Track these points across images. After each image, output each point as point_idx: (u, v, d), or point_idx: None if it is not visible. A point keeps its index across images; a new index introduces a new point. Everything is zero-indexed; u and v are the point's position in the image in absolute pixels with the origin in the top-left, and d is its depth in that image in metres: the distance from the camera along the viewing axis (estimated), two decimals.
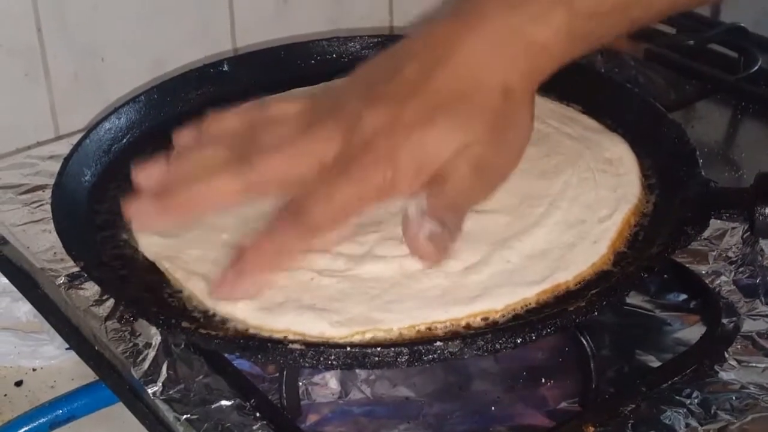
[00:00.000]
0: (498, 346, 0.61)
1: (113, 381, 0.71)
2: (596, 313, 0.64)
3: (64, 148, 0.84)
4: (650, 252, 0.68)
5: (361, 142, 0.64)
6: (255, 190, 0.66)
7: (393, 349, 0.60)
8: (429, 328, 0.63)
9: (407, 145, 0.63)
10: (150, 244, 0.71)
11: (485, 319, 0.64)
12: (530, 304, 0.65)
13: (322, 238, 0.66)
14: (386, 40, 0.94)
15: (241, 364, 0.70)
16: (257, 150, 0.66)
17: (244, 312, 0.64)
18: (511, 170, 0.68)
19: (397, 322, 0.63)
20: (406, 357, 0.60)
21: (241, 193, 0.66)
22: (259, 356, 0.65)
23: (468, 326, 0.64)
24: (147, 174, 0.68)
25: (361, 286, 0.66)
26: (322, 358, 0.60)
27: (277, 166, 0.66)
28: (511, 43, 0.65)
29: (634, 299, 0.76)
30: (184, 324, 0.63)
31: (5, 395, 0.77)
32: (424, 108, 0.64)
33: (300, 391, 0.68)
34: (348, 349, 0.61)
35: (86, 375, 0.76)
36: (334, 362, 0.61)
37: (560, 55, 0.66)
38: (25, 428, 0.73)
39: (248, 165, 0.65)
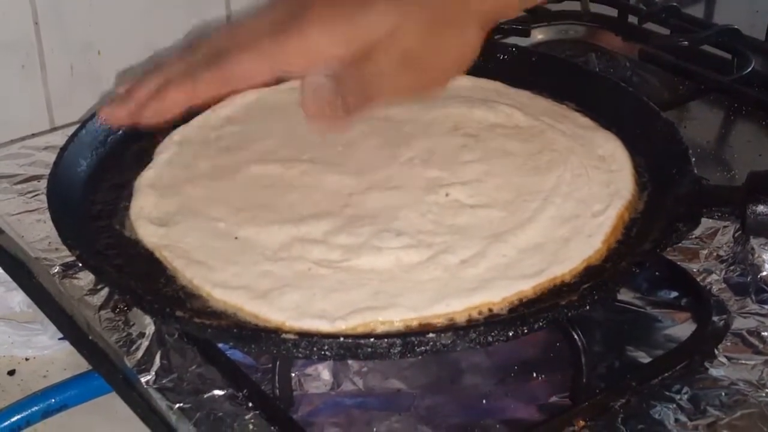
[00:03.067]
0: (490, 338, 0.62)
1: (106, 370, 0.71)
2: (588, 308, 0.64)
3: (59, 139, 0.84)
4: (642, 248, 0.68)
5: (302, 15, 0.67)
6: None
7: (386, 340, 0.61)
8: (429, 322, 0.64)
9: (339, 17, 0.66)
10: (148, 233, 0.71)
11: (485, 311, 0.65)
12: (527, 297, 0.66)
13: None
14: None
15: (234, 354, 0.70)
16: None
17: (241, 301, 0.65)
18: (445, 77, 0.70)
19: (398, 314, 0.64)
20: (399, 348, 0.60)
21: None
22: (252, 346, 0.65)
23: (469, 319, 0.64)
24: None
25: (358, 277, 0.67)
26: (315, 348, 0.61)
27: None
28: None
29: (625, 296, 0.77)
30: (178, 313, 0.63)
31: None
32: None
33: (293, 382, 0.69)
34: (341, 339, 0.61)
35: (79, 365, 0.76)
36: (327, 352, 0.61)
37: None
38: (18, 416, 0.73)
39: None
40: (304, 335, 0.61)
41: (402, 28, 0.66)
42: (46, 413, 0.74)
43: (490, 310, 0.65)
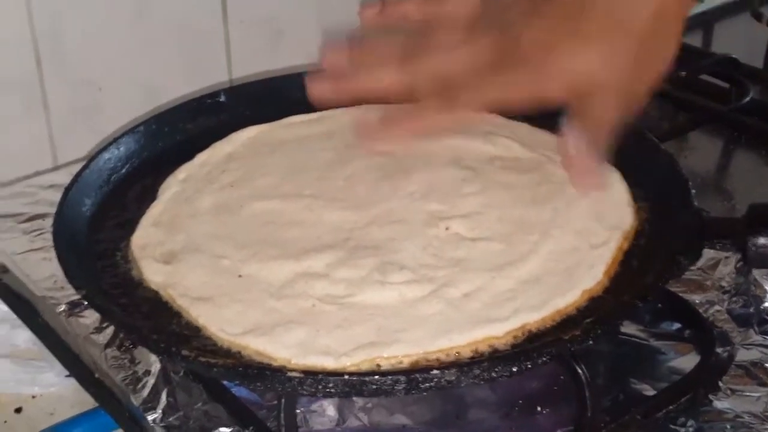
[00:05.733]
0: (494, 374, 0.62)
1: (113, 408, 0.71)
2: (591, 342, 0.64)
3: (62, 177, 0.85)
4: (644, 281, 0.69)
5: (517, 52, 0.70)
6: (413, 82, 0.74)
7: (390, 377, 0.61)
8: (433, 357, 0.64)
9: (558, 61, 0.69)
10: (152, 271, 0.72)
11: (489, 345, 0.65)
12: (531, 330, 0.66)
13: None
14: None
15: (240, 391, 0.70)
16: (423, 49, 0.74)
17: (246, 339, 0.65)
18: (650, 88, 0.72)
19: (402, 350, 0.64)
20: (404, 385, 0.61)
21: (401, 84, 0.74)
22: (258, 384, 0.65)
23: (473, 354, 0.64)
24: (334, 57, 0.78)
25: (362, 313, 0.67)
26: (320, 386, 0.61)
27: (435, 65, 0.74)
28: None
29: (628, 328, 0.77)
30: (184, 352, 0.63)
31: (5, 422, 0.77)
32: (578, 31, 0.69)
33: (298, 419, 0.69)
34: (346, 377, 0.61)
35: (85, 402, 0.76)
36: (332, 390, 0.61)
37: None
38: None
39: (411, 63, 0.74)
40: (309, 373, 0.61)
41: (614, 63, 0.69)
42: None
43: (494, 344, 0.65)
